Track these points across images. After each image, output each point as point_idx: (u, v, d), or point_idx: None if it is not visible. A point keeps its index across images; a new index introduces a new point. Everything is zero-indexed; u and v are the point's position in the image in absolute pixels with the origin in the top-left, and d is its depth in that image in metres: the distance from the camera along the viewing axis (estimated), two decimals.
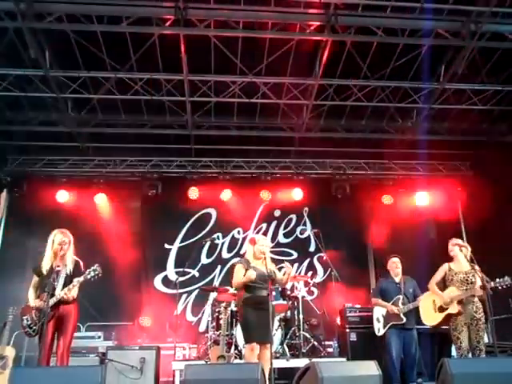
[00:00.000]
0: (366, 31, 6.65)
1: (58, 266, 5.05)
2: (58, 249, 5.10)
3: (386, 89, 8.04)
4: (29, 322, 5.00)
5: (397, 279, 6.42)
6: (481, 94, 8.08)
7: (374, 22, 6.54)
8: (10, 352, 6.32)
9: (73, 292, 5.02)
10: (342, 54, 7.28)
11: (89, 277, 5.04)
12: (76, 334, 5.51)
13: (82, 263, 5.26)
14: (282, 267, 5.39)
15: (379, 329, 6.35)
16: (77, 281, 5.01)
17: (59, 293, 4.93)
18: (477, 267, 5.44)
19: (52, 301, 4.86)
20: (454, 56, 7.12)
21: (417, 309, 6.14)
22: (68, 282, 5.02)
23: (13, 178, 9.37)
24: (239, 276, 5.25)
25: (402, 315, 6.12)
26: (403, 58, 7.30)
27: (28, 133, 8.66)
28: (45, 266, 5.07)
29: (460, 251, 5.66)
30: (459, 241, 5.81)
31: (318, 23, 6.54)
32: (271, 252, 5.62)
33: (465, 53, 6.89)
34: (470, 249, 5.71)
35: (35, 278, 5.13)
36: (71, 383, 3.78)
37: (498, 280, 5.31)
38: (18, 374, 3.87)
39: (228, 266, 9.55)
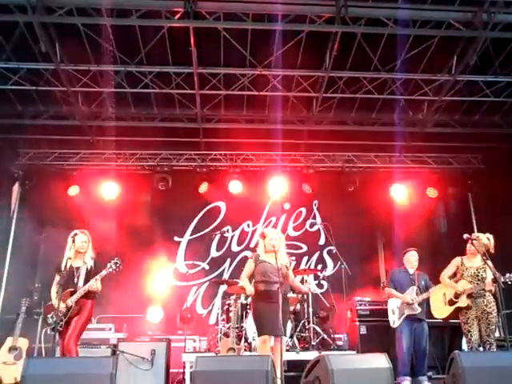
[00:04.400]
0: (377, 22, 6.57)
1: (78, 264, 5.35)
2: (79, 247, 5.38)
3: (397, 81, 7.95)
4: (54, 319, 5.14)
5: (411, 271, 6.36)
6: (493, 85, 7.95)
7: (385, 13, 6.45)
8: (23, 343, 6.42)
9: (98, 284, 5.33)
10: (352, 45, 7.21)
11: (111, 270, 5.34)
12: (88, 326, 5.62)
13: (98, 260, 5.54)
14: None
15: (394, 321, 6.24)
16: (99, 275, 5.29)
17: (83, 288, 5.20)
18: (489, 262, 5.38)
19: (75, 297, 5.16)
20: (466, 47, 7.01)
21: (427, 302, 6.11)
22: (88, 278, 5.29)
23: (24, 171, 9.43)
24: (246, 271, 5.44)
25: (416, 305, 6.04)
26: (414, 50, 7.22)
27: (39, 126, 8.69)
28: (66, 265, 5.27)
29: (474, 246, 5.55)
30: (479, 236, 5.65)
31: (328, 15, 6.48)
32: None
33: (477, 44, 6.78)
34: (491, 239, 5.61)
35: (57, 277, 5.32)
36: (84, 374, 3.84)
37: (508, 275, 5.26)
38: (32, 364, 3.92)
39: (238, 259, 9.60)
